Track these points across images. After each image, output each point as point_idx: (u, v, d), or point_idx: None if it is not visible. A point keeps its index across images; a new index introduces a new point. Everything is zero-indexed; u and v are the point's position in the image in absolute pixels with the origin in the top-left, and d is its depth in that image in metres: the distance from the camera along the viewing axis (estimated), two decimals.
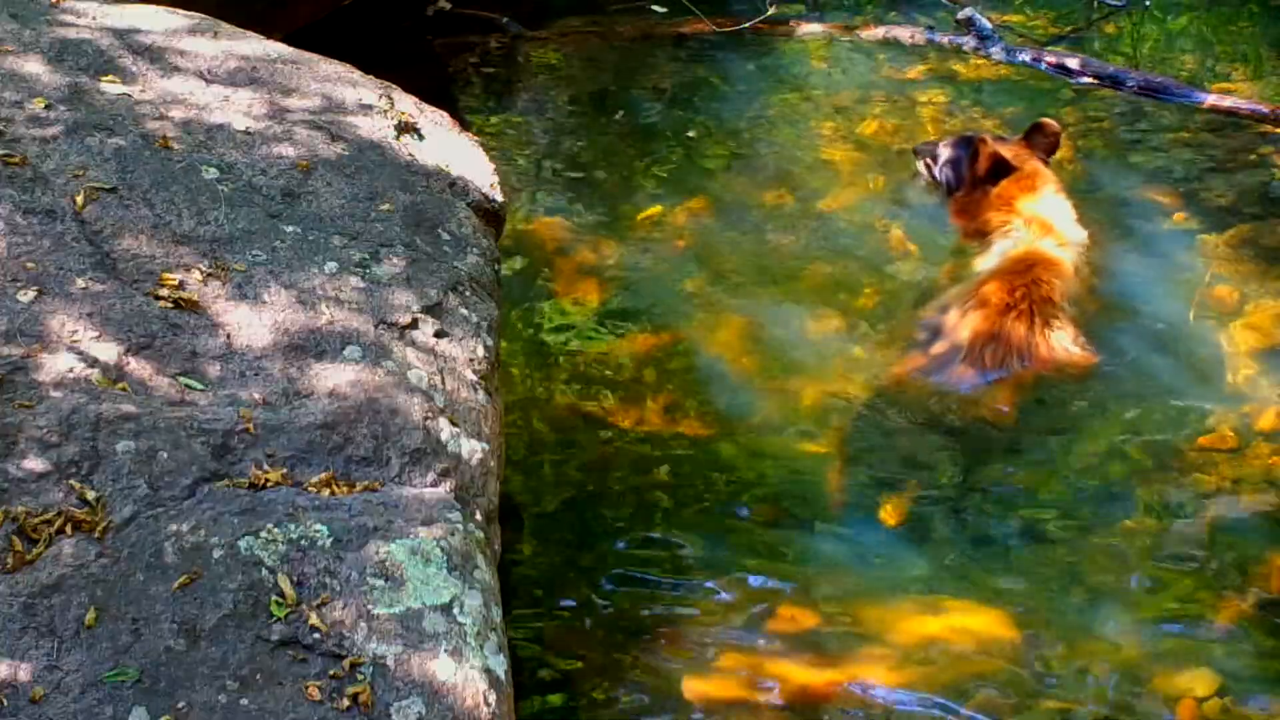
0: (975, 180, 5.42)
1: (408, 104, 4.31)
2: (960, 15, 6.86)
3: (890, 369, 4.86)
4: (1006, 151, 5.42)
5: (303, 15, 6.25)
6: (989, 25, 6.79)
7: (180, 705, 2.67)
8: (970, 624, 4.04)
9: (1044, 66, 6.66)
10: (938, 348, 4.81)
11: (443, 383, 3.43)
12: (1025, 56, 6.71)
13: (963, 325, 4.79)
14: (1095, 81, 6.53)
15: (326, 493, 3.07)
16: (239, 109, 4.04)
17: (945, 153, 5.61)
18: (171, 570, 2.86)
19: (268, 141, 3.94)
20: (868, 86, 6.62)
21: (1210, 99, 6.34)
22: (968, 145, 5.51)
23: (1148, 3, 7.22)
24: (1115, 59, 6.85)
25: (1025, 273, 4.91)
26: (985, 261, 5.13)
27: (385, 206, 3.84)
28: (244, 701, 2.70)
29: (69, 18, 4.26)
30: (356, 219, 3.78)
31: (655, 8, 7.08)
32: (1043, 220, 5.21)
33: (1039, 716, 3.81)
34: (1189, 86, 6.43)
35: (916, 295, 5.21)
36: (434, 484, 3.20)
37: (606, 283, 5.33)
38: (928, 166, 5.72)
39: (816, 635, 3.99)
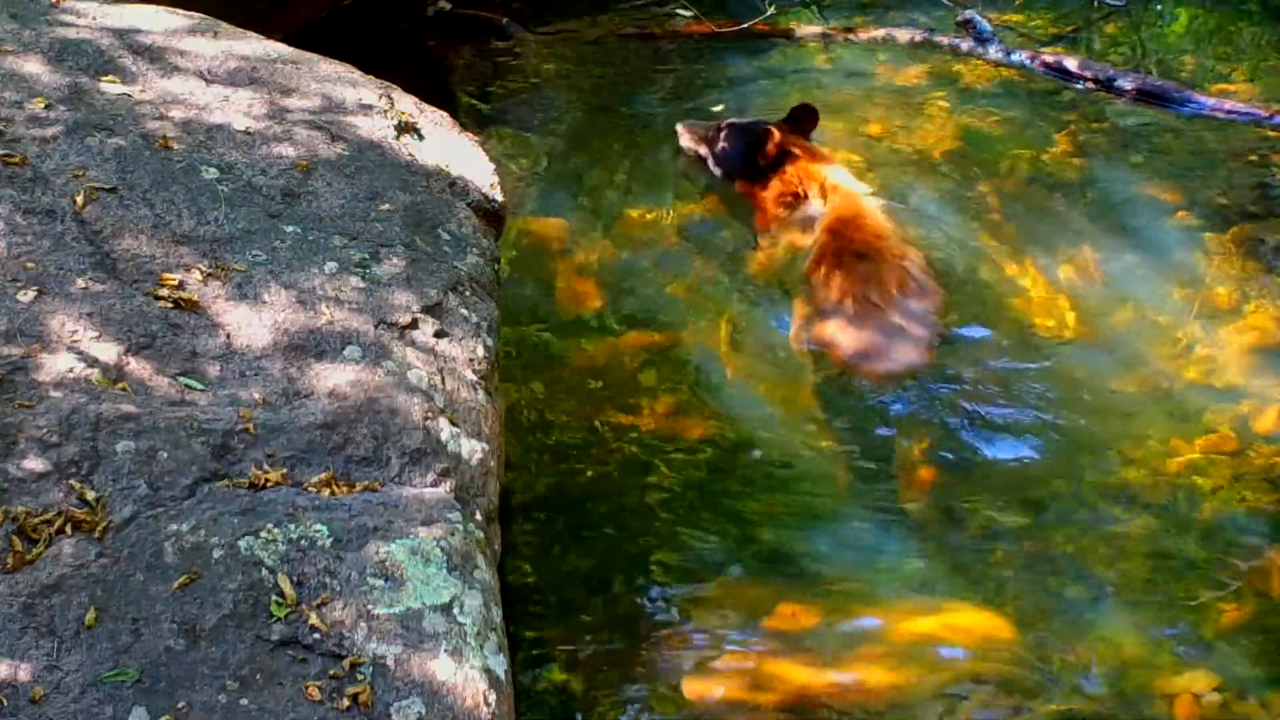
0: (761, 165, 5.68)
1: (408, 104, 4.31)
2: (961, 18, 6.87)
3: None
4: (785, 137, 5.74)
5: (303, 15, 6.25)
6: (989, 28, 6.79)
7: (180, 705, 2.67)
8: (970, 624, 4.04)
9: (1042, 70, 6.67)
10: (823, 314, 5.03)
11: (443, 383, 3.43)
12: (1022, 58, 6.71)
13: (832, 284, 5.05)
14: (1094, 86, 6.53)
15: (326, 493, 3.07)
16: (239, 109, 4.04)
17: (726, 139, 5.86)
18: (171, 570, 2.86)
19: (268, 141, 3.94)
20: (868, 87, 6.62)
21: (1210, 103, 6.33)
22: (752, 133, 5.76)
23: (1160, 6, 7.22)
24: (1115, 59, 6.85)
25: (854, 226, 5.26)
26: (811, 230, 5.42)
27: (385, 206, 3.84)
28: (244, 701, 2.70)
29: (69, 18, 4.26)
30: (356, 219, 3.78)
31: (682, 10, 7.06)
32: (840, 187, 5.54)
33: (1039, 716, 3.81)
34: (1188, 91, 6.42)
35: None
36: (434, 484, 3.20)
37: (606, 283, 5.32)
38: (702, 142, 5.94)
39: (816, 635, 3.99)
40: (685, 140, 6.01)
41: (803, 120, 5.87)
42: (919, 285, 5.06)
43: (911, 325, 4.95)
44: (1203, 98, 6.37)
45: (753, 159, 5.71)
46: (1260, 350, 4.98)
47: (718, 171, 5.88)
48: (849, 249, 5.14)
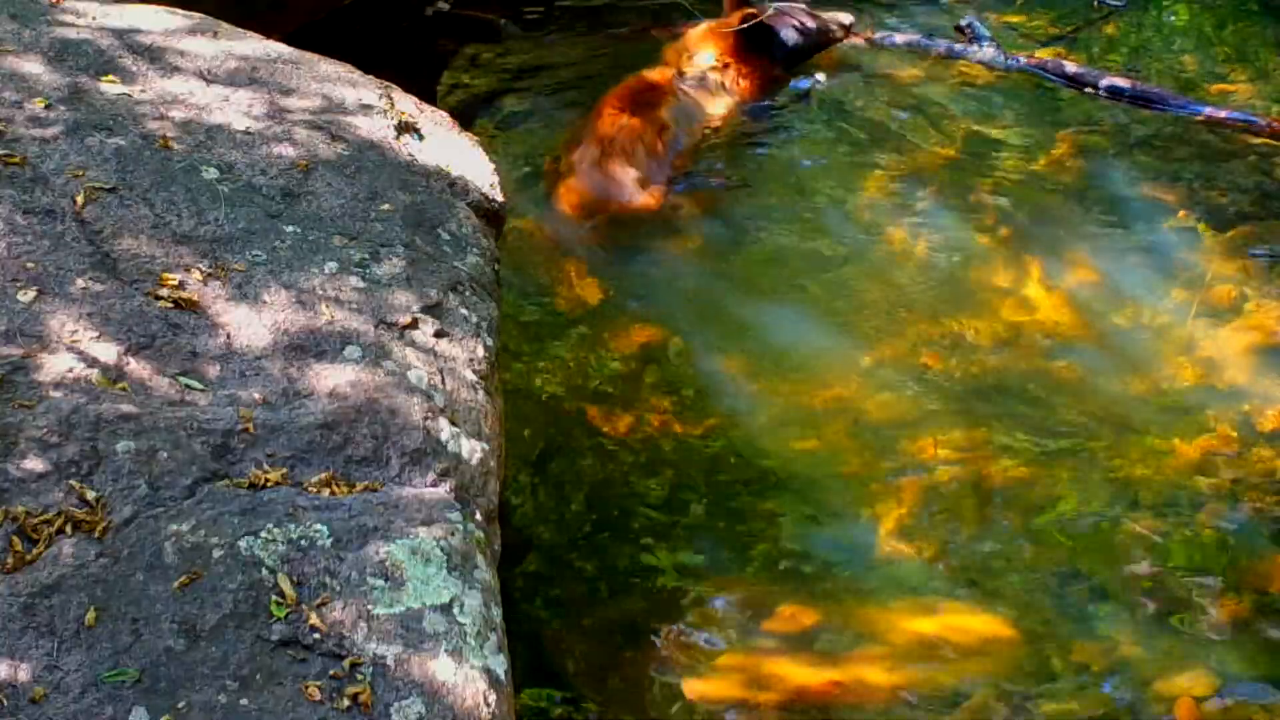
0: None
1: (408, 104, 4.31)
2: (962, 22, 6.87)
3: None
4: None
5: (302, 15, 6.24)
6: (988, 33, 6.79)
7: (180, 705, 2.67)
8: (970, 624, 4.04)
9: (1041, 73, 6.67)
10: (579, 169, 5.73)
11: (443, 383, 3.43)
12: (1021, 62, 6.72)
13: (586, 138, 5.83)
14: (1093, 90, 6.52)
15: (326, 493, 3.07)
16: (239, 109, 4.04)
17: None
18: (171, 570, 2.86)
19: (268, 141, 3.94)
20: (867, 87, 6.62)
21: (1207, 110, 6.33)
22: None
23: (1160, 6, 7.22)
24: (1114, 60, 6.85)
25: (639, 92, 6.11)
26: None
27: (385, 206, 3.84)
28: (244, 701, 2.70)
29: (69, 18, 4.25)
30: (356, 219, 3.78)
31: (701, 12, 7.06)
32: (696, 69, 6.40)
33: (1039, 716, 3.81)
34: (1185, 97, 6.42)
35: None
36: (434, 484, 3.20)
37: (606, 283, 5.33)
38: None
39: (816, 635, 4.00)
40: None
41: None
42: (665, 144, 5.82)
43: (638, 172, 5.66)
44: (1199, 104, 6.37)
45: None
46: (1260, 350, 4.98)
47: None
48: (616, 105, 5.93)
